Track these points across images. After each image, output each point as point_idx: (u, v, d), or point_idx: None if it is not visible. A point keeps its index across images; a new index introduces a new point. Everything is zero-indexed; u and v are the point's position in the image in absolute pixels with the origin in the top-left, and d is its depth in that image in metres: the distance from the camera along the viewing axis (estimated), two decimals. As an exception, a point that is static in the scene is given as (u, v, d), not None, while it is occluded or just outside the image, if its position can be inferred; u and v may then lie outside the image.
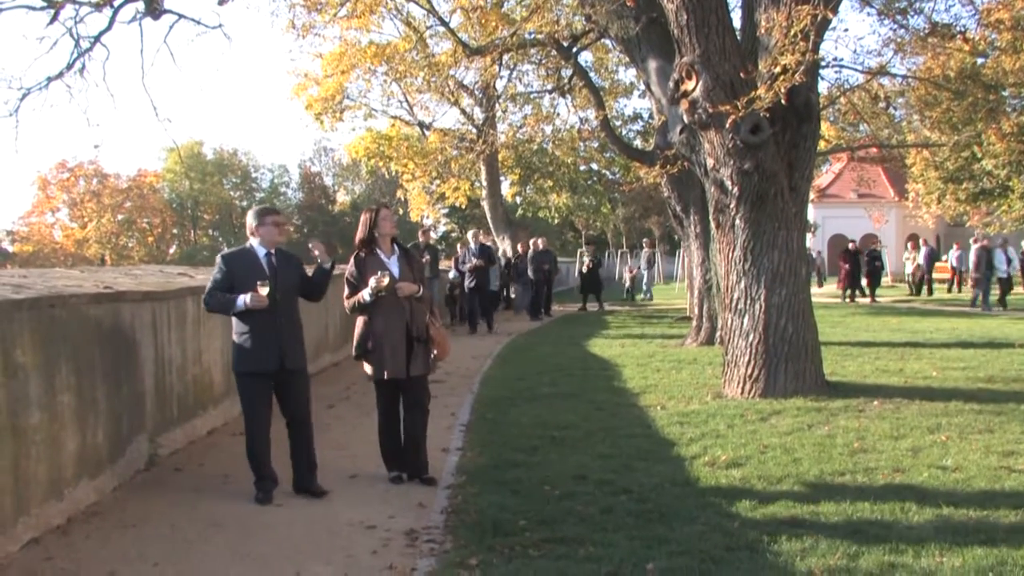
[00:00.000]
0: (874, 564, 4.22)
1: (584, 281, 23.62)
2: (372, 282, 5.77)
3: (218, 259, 5.78)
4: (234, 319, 5.66)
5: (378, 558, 4.59)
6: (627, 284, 29.33)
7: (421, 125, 26.23)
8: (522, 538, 4.72)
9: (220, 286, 5.62)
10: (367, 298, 5.84)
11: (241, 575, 4.40)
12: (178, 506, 5.49)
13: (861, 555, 4.33)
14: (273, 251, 5.75)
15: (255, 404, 5.66)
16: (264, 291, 5.49)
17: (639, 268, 29.24)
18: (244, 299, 5.50)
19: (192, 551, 4.71)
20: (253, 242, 5.76)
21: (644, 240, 29.47)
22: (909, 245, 29.37)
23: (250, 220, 5.80)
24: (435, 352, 6.14)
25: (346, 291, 6.04)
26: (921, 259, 26.79)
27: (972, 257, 21.57)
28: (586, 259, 23.33)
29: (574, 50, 15.80)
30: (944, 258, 30.79)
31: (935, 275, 30.39)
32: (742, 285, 8.88)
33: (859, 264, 24.70)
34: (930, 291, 26.82)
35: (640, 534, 4.74)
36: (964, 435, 6.92)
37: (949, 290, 27.85)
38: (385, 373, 5.93)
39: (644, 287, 28.05)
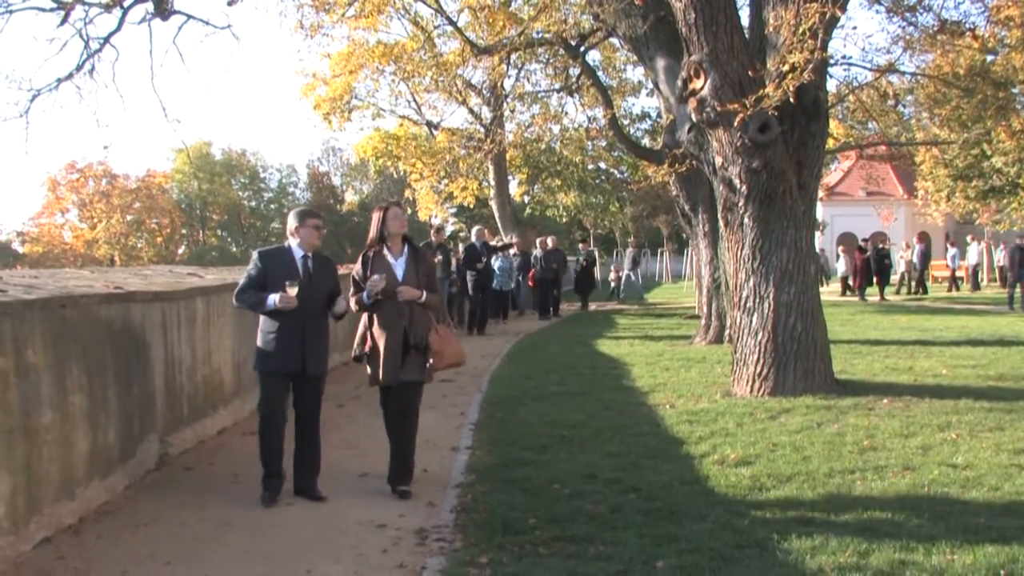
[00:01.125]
0: (884, 562, 4.21)
1: (578, 280, 23.70)
2: (368, 284, 5.70)
3: (254, 255, 5.77)
4: (262, 317, 5.67)
5: (388, 557, 4.60)
6: (613, 284, 29.27)
7: (429, 124, 26.22)
8: (532, 536, 4.73)
9: (253, 283, 5.62)
10: (366, 300, 5.77)
11: (252, 574, 4.42)
12: (188, 505, 5.51)
13: (871, 553, 4.33)
14: (310, 254, 5.74)
15: (272, 402, 5.67)
16: (292, 291, 5.47)
17: (622, 266, 29.13)
18: (274, 298, 5.50)
19: (203, 550, 4.73)
20: (292, 243, 5.75)
21: (629, 240, 29.29)
22: (904, 244, 29.25)
23: (291, 221, 5.79)
24: (431, 361, 5.87)
25: (351, 289, 5.99)
26: (914, 257, 26.66)
27: (1004, 256, 21.35)
28: (580, 257, 23.34)
29: (582, 49, 15.75)
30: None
31: (937, 273, 30.29)
32: (751, 283, 8.86)
33: (870, 262, 24.67)
34: (921, 290, 26.59)
35: (649, 532, 4.74)
36: (974, 433, 6.90)
37: (949, 289, 27.70)
38: (380, 378, 5.81)
39: (624, 287, 27.85)
